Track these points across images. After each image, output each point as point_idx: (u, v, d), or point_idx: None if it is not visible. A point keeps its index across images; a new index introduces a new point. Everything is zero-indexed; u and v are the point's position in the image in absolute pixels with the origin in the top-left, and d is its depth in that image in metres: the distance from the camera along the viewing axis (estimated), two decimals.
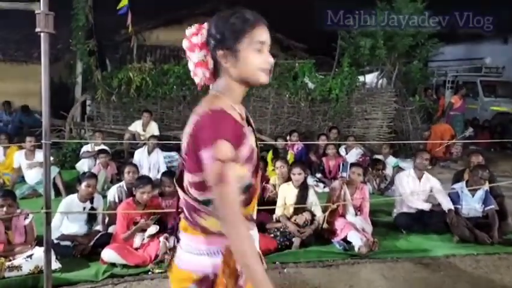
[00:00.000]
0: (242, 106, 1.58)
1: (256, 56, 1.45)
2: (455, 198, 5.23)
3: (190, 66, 1.51)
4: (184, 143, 1.45)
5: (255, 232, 1.62)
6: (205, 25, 1.49)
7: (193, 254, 1.51)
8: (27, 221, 4.12)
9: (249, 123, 1.57)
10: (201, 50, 1.47)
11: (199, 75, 1.50)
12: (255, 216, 1.62)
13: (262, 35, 1.45)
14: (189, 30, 1.50)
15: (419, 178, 5.46)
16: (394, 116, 10.37)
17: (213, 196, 1.36)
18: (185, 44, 1.50)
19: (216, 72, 1.50)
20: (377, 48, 10.09)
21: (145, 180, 4.53)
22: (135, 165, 5.62)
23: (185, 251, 1.54)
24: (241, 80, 1.48)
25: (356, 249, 4.49)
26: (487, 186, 5.21)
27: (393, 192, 6.75)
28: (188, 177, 1.48)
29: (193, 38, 1.48)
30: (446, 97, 13.90)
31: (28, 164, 6.51)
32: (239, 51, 1.43)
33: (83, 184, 4.57)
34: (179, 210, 1.60)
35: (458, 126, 10.45)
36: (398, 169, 7.94)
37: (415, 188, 5.44)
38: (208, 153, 1.32)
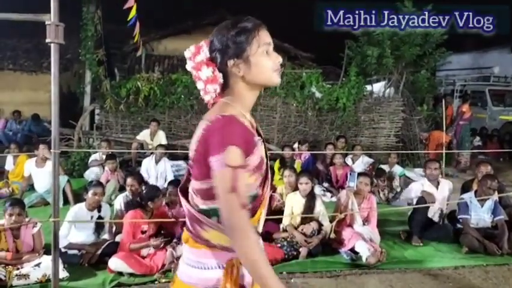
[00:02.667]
0: (252, 116, 1.58)
1: (266, 58, 1.47)
2: (463, 208, 5.17)
3: (200, 85, 1.50)
4: (192, 150, 1.45)
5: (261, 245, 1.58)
6: (203, 43, 1.50)
7: (194, 268, 1.49)
8: (35, 230, 4.14)
9: (258, 133, 1.57)
10: (208, 66, 1.47)
11: (210, 92, 1.49)
12: (260, 229, 1.58)
13: (266, 37, 1.48)
14: (188, 52, 1.50)
15: (436, 186, 5.44)
16: (402, 125, 10.34)
17: (220, 203, 1.33)
18: (189, 65, 1.51)
19: (223, 86, 1.50)
20: (384, 57, 10.08)
21: (155, 193, 4.53)
22: (138, 177, 5.60)
23: (187, 264, 1.52)
24: (255, 84, 1.50)
25: (364, 259, 4.45)
26: (496, 197, 5.16)
27: (401, 202, 6.74)
28: (194, 185, 1.47)
29: (196, 58, 1.48)
30: (454, 106, 13.86)
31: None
32: (250, 57, 1.44)
33: (90, 192, 4.59)
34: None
35: (467, 135, 10.38)
36: (405, 178, 7.92)
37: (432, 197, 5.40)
38: (218, 159, 1.31)
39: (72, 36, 7.88)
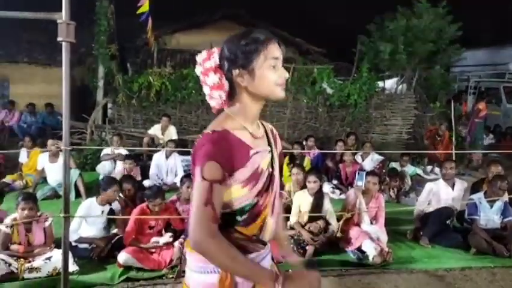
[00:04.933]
0: (262, 124, 1.62)
1: (272, 72, 1.48)
2: (473, 209, 5.14)
3: (206, 90, 1.53)
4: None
5: (260, 253, 1.57)
6: (215, 49, 1.53)
7: (195, 272, 1.54)
8: (46, 224, 4.23)
9: (269, 142, 1.60)
10: (215, 73, 1.50)
11: (216, 98, 1.52)
12: (268, 236, 1.58)
13: (275, 51, 1.48)
14: (200, 56, 1.53)
15: (452, 187, 5.42)
16: (414, 122, 10.26)
17: (191, 213, 1.39)
18: (198, 69, 1.54)
19: (231, 94, 1.53)
20: (397, 53, 10.01)
21: (154, 192, 4.53)
22: (133, 181, 5.68)
23: (187, 267, 1.58)
24: (258, 96, 1.52)
25: (370, 259, 4.46)
26: (506, 197, 5.11)
27: (411, 200, 6.72)
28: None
29: (206, 63, 1.51)
30: (468, 102, 13.70)
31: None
32: (255, 69, 1.46)
33: (111, 189, 4.65)
34: None
35: (480, 133, 10.25)
36: (417, 177, 7.89)
37: (448, 196, 5.39)
38: (197, 171, 1.38)
39: (85, 31, 7.97)
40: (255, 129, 1.55)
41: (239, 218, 1.49)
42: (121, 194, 5.07)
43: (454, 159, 6.72)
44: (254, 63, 1.46)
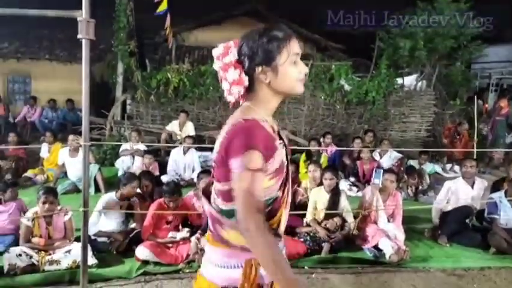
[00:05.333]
0: (274, 120, 1.61)
1: (293, 67, 1.50)
2: (493, 208, 5.05)
3: (225, 85, 1.53)
4: (215, 152, 1.50)
5: (281, 246, 1.60)
6: (231, 43, 1.52)
7: (214, 266, 1.56)
8: (66, 218, 4.31)
9: (280, 137, 1.59)
10: (235, 68, 1.50)
11: (234, 94, 1.52)
12: (282, 229, 1.60)
13: (296, 47, 1.50)
14: (217, 51, 1.53)
15: (472, 186, 5.34)
16: (433, 120, 10.11)
17: (237, 204, 1.38)
18: (217, 64, 1.53)
19: (248, 88, 1.53)
20: (417, 49, 9.89)
21: (171, 189, 4.56)
22: (150, 177, 5.67)
23: (209, 262, 1.59)
24: (279, 92, 1.53)
25: (387, 257, 4.42)
26: None
27: (430, 198, 6.63)
28: (216, 186, 1.53)
29: (225, 59, 1.51)
30: (490, 100, 13.42)
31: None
32: (278, 66, 1.47)
33: (131, 185, 4.73)
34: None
35: (502, 131, 10.03)
36: (435, 175, 7.78)
37: (468, 195, 5.31)
38: (238, 162, 1.36)
39: (105, 27, 8.06)
40: (273, 122, 1.56)
41: None
42: (138, 190, 5.13)
43: (474, 157, 6.61)
44: (277, 60, 1.47)
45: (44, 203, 4.13)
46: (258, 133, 1.40)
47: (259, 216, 1.34)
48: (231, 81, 1.51)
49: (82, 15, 3.19)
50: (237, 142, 1.38)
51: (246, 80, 1.50)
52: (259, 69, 1.48)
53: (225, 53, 1.51)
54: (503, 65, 16.04)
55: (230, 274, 1.52)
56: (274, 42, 1.46)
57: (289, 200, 1.61)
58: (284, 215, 1.59)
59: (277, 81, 1.49)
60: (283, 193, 1.54)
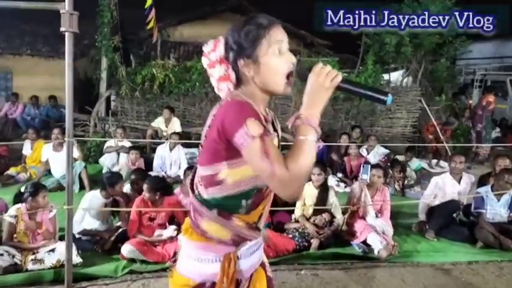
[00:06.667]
0: (269, 111, 1.56)
1: (277, 58, 1.40)
2: (479, 202, 5.09)
3: (213, 82, 1.50)
4: (202, 136, 1.45)
5: (258, 241, 1.58)
6: (221, 39, 1.47)
7: (191, 260, 1.52)
8: (50, 215, 4.21)
9: (274, 129, 1.55)
10: (221, 64, 1.45)
11: (223, 90, 1.48)
12: (262, 224, 1.57)
13: (278, 34, 1.41)
14: (206, 47, 1.48)
15: (458, 181, 5.37)
16: (419, 116, 10.18)
17: (261, 175, 1.30)
18: (205, 62, 1.49)
19: (238, 84, 1.47)
20: (403, 45, 9.90)
21: (150, 185, 4.47)
22: (142, 175, 5.48)
23: (184, 256, 1.55)
24: (264, 88, 1.44)
25: (376, 252, 4.43)
26: None
27: (417, 194, 6.67)
28: (199, 172, 1.48)
29: (211, 55, 1.46)
30: (474, 96, 13.58)
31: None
32: (259, 56, 1.39)
33: (119, 185, 4.68)
34: None
35: (488, 127, 10.13)
36: (422, 171, 7.83)
37: (454, 190, 5.34)
38: (241, 135, 1.26)
39: (89, 22, 7.91)
40: (266, 112, 1.51)
41: (243, 203, 1.45)
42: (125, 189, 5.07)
43: (455, 152, 6.64)
44: (258, 51, 1.38)
45: (35, 197, 4.03)
46: (248, 107, 1.34)
47: (284, 165, 1.24)
48: (217, 77, 1.46)
49: (65, 7, 3.11)
50: (231, 118, 1.30)
51: (233, 75, 1.45)
52: (241, 62, 1.41)
53: (212, 49, 1.46)
54: (487, 61, 16.29)
55: (208, 268, 1.48)
56: (254, 32, 1.38)
57: (272, 195, 1.55)
58: (266, 208, 1.56)
59: (260, 75, 1.40)
60: (266, 189, 1.49)
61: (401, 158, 7.99)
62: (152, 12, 9.10)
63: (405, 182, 7.19)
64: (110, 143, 7.53)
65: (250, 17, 1.45)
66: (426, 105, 10.06)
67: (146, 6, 8.77)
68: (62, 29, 3.13)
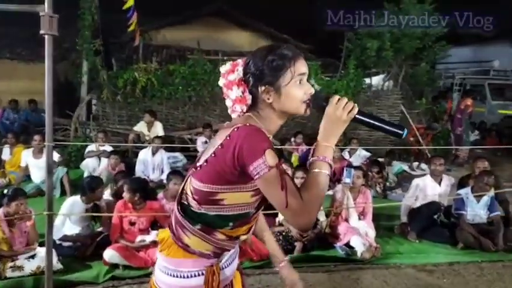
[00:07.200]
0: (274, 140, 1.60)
1: (298, 88, 1.44)
2: (460, 204, 5.17)
3: (228, 103, 1.51)
4: (208, 152, 1.44)
5: (236, 247, 1.64)
6: (240, 62, 1.49)
7: (172, 277, 1.53)
8: (30, 221, 4.13)
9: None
10: (238, 87, 1.46)
11: (237, 111, 1.50)
12: (244, 237, 1.59)
13: (301, 67, 1.45)
14: (224, 68, 1.50)
15: (439, 183, 5.45)
16: (400, 119, 10.30)
17: (277, 206, 1.33)
18: (221, 81, 1.50)
19: (253, 107, 1.49)
20: (384, 50, 10.02)
21: (128, 187, 4.42)
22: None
23: (164, 273, 1.56)
24: (282, 112, 1.48)
25: (359, 254, 4.45)
26: (492, 193, 5.15)
27: (398, 196, 6.73)
28: (195, 185, 1.45)
29: (229, 76, 1.48)
30: (454, 100, 13.81)
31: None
32: (282, 87, 1.42)
33: (99, 190, 4.62)
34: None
35: (467, 130, 10.31)
36: (403, 173, 7.92)
37: (435, 192, 5.41)
38: (259, 164, 1.30)
39: (70, 26, 7.81)
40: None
41: (230, 224, 1.48)
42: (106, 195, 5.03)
43: (435, 155, 6.76)
44: (281, 81, 1.42)
45: (13, 203, 3.96)
46: (265, 137, 1.38)
47: (298, 198, 1.30)
48: (233, 98, 1.48)
49: (45, 9, 3.06)
50: (249, 146, 1.33)
51: (249, 98, 1.47)
52: (262, 89, 1.44)
53: (231, 70, 1.48)
54: (466, 65, 16.59)
55: (190, 283, 1.51)
56: (279, 62, 1.42)
57: (256, 220, 1.61)
58: (250, 231, 1.60)
59: (280, 102, 1.44)
60: (257, 210, 1.53)
61: (382, 160, 8.07)
62: (134, 16, 9.03)
63: (387, 184, 7.26)
64: (92, 147, 7.43)
65: (276, 46, 1.48)
66: (408, 109, 10.22)
67: (125, 7, 8.68)
68: (41, 31, 3.08)
